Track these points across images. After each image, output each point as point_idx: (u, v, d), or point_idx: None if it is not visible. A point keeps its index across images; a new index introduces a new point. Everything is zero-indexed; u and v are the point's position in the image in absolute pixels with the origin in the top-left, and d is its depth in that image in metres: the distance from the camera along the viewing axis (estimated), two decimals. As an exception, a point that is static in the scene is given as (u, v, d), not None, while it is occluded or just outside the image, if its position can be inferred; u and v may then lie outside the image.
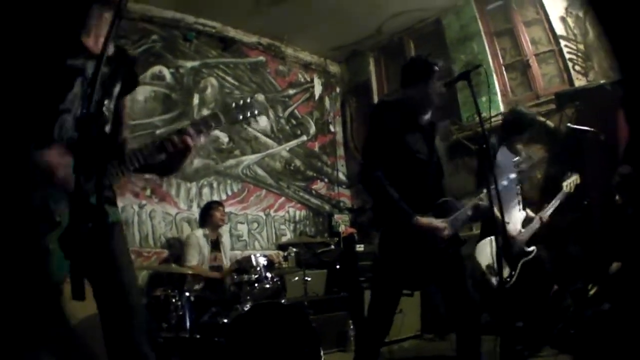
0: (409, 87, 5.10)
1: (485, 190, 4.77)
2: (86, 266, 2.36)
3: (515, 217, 6.82)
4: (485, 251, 6.36)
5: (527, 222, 6.86)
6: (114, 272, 3.40)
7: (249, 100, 3.84)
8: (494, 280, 6.19)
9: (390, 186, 4.69)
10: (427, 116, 5.12)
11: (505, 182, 5.08)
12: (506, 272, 6.16)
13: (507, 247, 4.58)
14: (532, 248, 6.54)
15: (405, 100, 5.10)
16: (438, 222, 4.72)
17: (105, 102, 3.49)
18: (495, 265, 6.17)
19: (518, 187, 6.02)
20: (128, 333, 3.35)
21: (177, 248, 9.51)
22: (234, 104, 3.79)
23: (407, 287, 5.24)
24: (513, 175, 5.20)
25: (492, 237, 6.29)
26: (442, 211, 4.83)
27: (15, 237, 2.68)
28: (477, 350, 4.71)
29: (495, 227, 6.18)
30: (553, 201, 6.94)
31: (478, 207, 4.97)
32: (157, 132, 9.98)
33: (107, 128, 3.56)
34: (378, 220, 4.99)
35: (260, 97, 12.25)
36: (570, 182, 6.88)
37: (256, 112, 3.86)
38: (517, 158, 5.44)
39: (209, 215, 8.97)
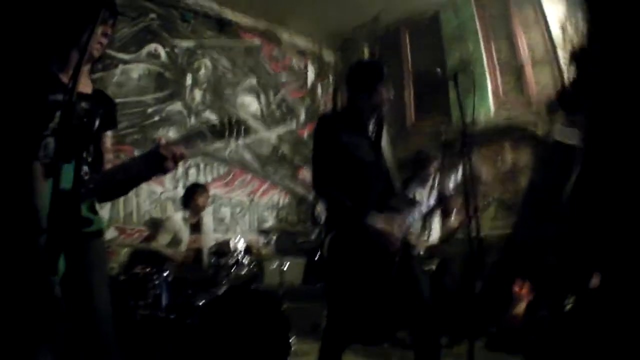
0: (356, 94, 5.04)
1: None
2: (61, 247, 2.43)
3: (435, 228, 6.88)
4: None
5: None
6: (87, 293, 3.46)
7: (233, 121, 3.87)
8: None
9: (342, 195, 4.67)
10: (373, 121, 5.08)
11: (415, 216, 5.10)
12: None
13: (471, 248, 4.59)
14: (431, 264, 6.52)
15: (350, 109, 5.09)
16: (393, 226, 4.65)
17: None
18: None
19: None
20: None
21: (159, 226, 9.55)
22: (219, 123, 3.83)
23: (361, 291, 5.23)
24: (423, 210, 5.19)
25: None
26: (395, 209, 4.81)
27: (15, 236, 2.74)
28: (437, 351, 4.71)
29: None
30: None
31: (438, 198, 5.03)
32: (149, 110, 10.05)
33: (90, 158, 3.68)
34: (329, 227, 5.00)
35: (253, 80, 12.32)
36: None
37: (242, 132, 3.95)
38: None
39: (191, 199, 8.96)
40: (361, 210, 4.61)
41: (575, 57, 3.72)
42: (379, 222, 4.60)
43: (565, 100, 3.89)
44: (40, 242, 2.99)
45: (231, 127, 3.83)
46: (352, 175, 4.78)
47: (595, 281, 5.74)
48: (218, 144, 11.18)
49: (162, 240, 8.49)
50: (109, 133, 3.94)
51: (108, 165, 3.87)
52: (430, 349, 4.69)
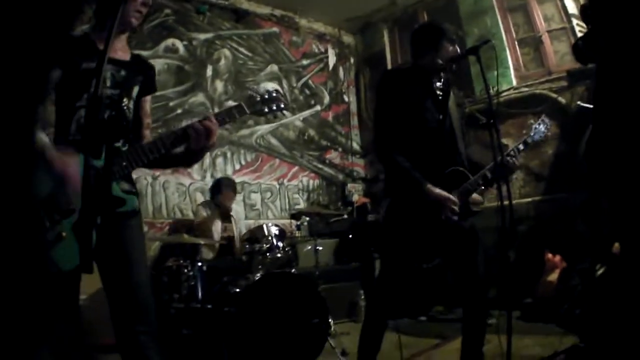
0: (420, 55, 5.00)
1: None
2: (96, 247, 2.45)
3: (508, 187, 6.82)
4: None
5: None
6: (126, 267, 3.49)
7: (274, 94, 3.88)
8: None
9: (401, 156, 4.63)
10: (440, 82, 5.02)
11: None
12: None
13: (503, 220, 4.54)
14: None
15: (415, 67, 5.02)
16: (448, 195, 4.62)
17: (125, 101, 3.66)
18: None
19: None
20: (135, 335, 3.43)
21: (187, 221, 9.60)
22: (258, 97, 3.83)
23: (412, 260, 5.20)
24: None
25: None
26: (452, 180, 4.76)
27: (16, 227, 2.76)
28: (483, 325, 4.71)
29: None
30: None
31: (487, 176, 4.99)
32: (171, 104, 10.08)
33: (129, 125, 3.72)
34: (389, 190, 4.98)
35: (274, 67, 12.34)
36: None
37: (282, 105, 3.91)
38: None
39: (218, 199, 8.96)
40: (418, 178, 4.60)
41: (585, 12, 3.72)
42: (435, 191, 4.59)
43: (578, 53, 3.89)
44: (40, 237, 3.03)
45: (270, 101, 3.84)
46: (416, 135, 4.76)
47: (616, 246, 5.72)
48: (244, 132, 11.22)
49: (203, 217, 8.60)
50: (148, 98, 3.96)
51: (147, 131, 3.92)
52: (478, 321, 4.72)
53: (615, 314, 4.32)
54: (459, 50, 4.98)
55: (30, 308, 2.65)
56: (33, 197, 3.08)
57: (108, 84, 3.56)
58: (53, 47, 2.99)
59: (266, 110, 3.84)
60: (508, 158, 4.90)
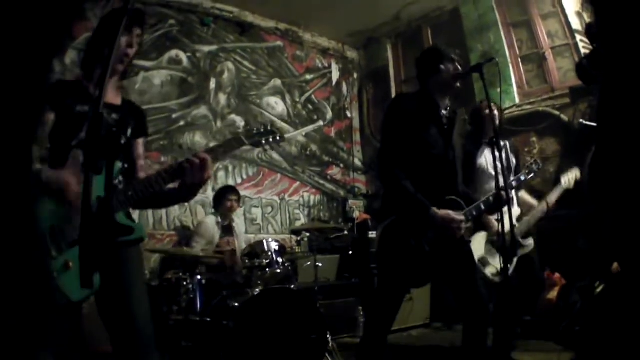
0: (425, 80, 5.09)
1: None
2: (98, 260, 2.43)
3: (510, 212, 6.83)
4: (475, 245, 6.36)
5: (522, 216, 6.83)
6: (125, 298, 3.48)
7: (269, 127, 3.95)
8: (487, 272, 6.20)
9: (407, 179, 4.66)
10: (447, 106, 5.08)
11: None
12: (497, 265, 6.15)
13: (504, 241, 4.55)
14: (529, 242, 6.50)
15: (422, 92, 5.09)
16: (455, 214, 4.68)
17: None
18: (489, 258, 6.23)
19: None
20: None
21: (188, 232, 9.60)
22: (255, 129, 3.90)
23: (410, 284, 5.20)
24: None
25: (484, 232, 6.35)
26: (448, 209, 4.75)
27: (20, 260, 2.74)
28: (484, 343, 4.73)
29: (484, 222, 6.29)
30: (551, 194, 6.89)
31: (490, 202, 5.01)
32: (174, 116, 10.08)
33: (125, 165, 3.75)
34: (388, 211, 4.98)
35: (277, 82, 12.32)
36: (569, 178, 6.80)
37: (278, 138, 3.97)
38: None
39: (221, 203, 8.99)
40: (425, 202, 4.62)
41: (590, 31, 3.71)
42: (441, 213, 4.62)
43: (583, 72, 3.89)
44: (40, 245, 3.03)
45: (266, 134, 3.90)
46: (419, 160, 4.79)
47: (615, 266, 5.71)
48: (246, 146, 11.20)
49: (195, 242, 8.54)
50: (140, 141, 4.00)
51: (142, 173, 3.92)
52: (478, 335, 4.71)
53: (614, 331, 4.31)
54: (460, 68, 5.05)
55: (32, 313, 2.65)
56: (38, 227, 3.11)
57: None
58: (39, 89, 3.02)
59: (263, 141, 3.88)
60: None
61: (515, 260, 6.19)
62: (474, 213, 4.95)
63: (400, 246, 4.69)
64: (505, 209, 4.60)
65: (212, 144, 10.33)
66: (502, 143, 5.24)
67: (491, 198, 4.96)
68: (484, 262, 6.24)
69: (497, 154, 4.61)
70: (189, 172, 3.46)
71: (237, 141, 3.75)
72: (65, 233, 3.15)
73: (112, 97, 3.82)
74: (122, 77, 3.98)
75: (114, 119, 3.71)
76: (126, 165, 3.78)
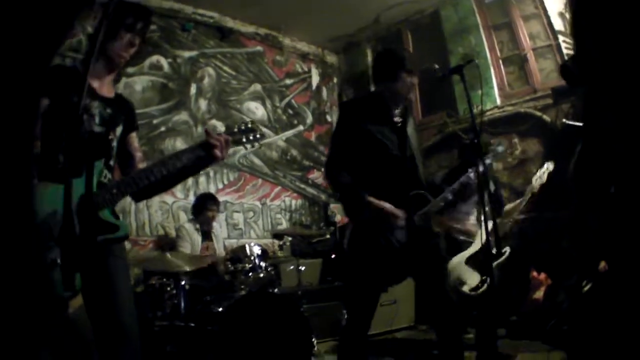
0: (380, 82, 5.10)
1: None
2: (79, 265, 2.42)
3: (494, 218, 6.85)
4: (452, 265, 6.38)
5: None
6: (110, 296, 3.51)
7: (249, 125, 4.01)
8: (465, 289, 6.20)
9: (344, 175, 4.74)
10: (399, 110, 5.08)
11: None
12: (476, 280, 6.17)
13: (488, 246, 4.58)
14: (505, 249, 6.50)
15: (374, 96, 5.14)
16: (388, 205, 4.66)
17: (110, 137, 3.77)
18: (466, 277, 6.25)
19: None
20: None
21: (168, 239, 9.60)
22: (236, 127, 3.98)
23: (382, 283, 5.21)
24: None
25: (460, 254, 6.38)
26: (417, 204, 4.83)
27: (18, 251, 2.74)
28: (459, 343, 4.72)
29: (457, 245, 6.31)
30: (519, 200, 6.91)
31: (462, 184, 5.07)
32: (154, 121, 10.07)
33: (112, 162, 3.81)
34: (347, 215, 5.01)
35: (258, 86, 12.32)
36: (539, 175, 6.80)
37: (258, 136, 4.02)
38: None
39: (201, 212, 8.98)
40: (363, 192, 4.66)
41: (574, 30, 3.73)
42: (373, 200, 4.65)
43: (567, 73, 3.92)
44: (39, 244, 3.03)
45: (247, 131, 3.96)
46: (376, 164, 4.82)
47: (602, 264, 5.74)
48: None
49: (182, 247, 8.54)
50: (133, 134, 4.07)
51: (140, 164, 3.99)
52: (452, 337, 4.72)
53: (603, 329, 4.33)
54: (415, 82, 5.05)
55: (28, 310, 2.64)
56: (38, 216, 3.11)
57: (97, 120, 3.69)
58: (38, 75, 2.99)
59: (244, 139, 3.96)
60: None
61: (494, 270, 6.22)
62: (442, 203, 4.98)
63: (370, 245, 4.72)
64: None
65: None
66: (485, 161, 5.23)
67: (456, 185, 5.02)
68: (460, 281, 6.26)
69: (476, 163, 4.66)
70: (218, 147, 3.66)
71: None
72: (52, 229, 3.14)
73: (107, 90, 3.89)
74: (118, 75, 4.13)
75: (108, 113, 3.77)
76: (111, 163, 3.81)
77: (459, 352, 4.70)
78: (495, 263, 6.23)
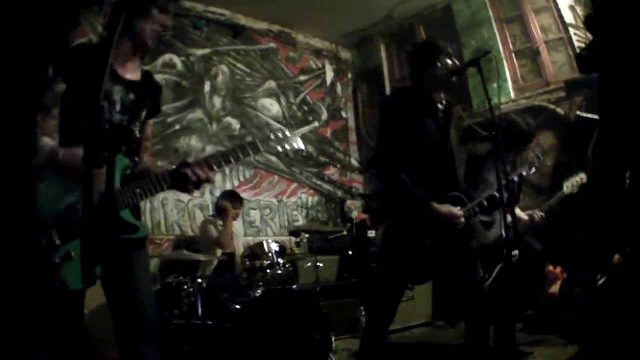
0: (420, 74, 5.04)
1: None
2: (99, 256, 2.39)
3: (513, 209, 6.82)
4: None
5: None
6: (132, 292, 3.50)
7: (288, 134, 3.93)
8: None
9: (405, 174, 4.63)
10: (443, 101, 5.06)
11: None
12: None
13: (508, 237, 4.55)
14: (514, 253, 6.44)
15: (417, 87, 5.04)
16: (455, 209, 4.69)
17: (132, 127, 3.70)
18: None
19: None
20: (139, 351, 3.45)
21: (187, 237, 9.59)
22: (272, 135, 3.87)
23: (411, 281, 5.17)
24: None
25: None
26: (453, 205, 4.76)
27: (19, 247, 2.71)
28: (486, 340, 4.71)
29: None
30: (550, 201, 6.87)
31: (494, 198, 5.00)
32: (169, 120, 10.06)
33: (137, 156, 3.76)
34: (388, 209, 4.95)
35: (272, 83, 12.31)
36: (572, 183, 6.75)
37: (295, 146, 3.96)
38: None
39: (224, 212, 8.87)
40: (425, 196, 4.61)
41: (588, 24, 3.71)
42: (442, 208, 4.63)
43: (582, 63, 3.91)
44: (41, 239, 3.00)
45: (282, 140, 3.89)
46: (418, 156, 4.78)
47: (617, 258, 5.69)
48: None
49: (207, 248, 8.51)
50: (151, 121, 3.97)
51: (146, 155, 3.92)
52: (480, 332, 4.71)
53: (619, 323, 4.29)
54: (457, 62, 5.04)
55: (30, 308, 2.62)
56: (42, 212, 3.09)
57: (118, 108, 3.59)
58: (47, 55, 2.94)
59: (279, 149, 3.87)
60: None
61: (497, 269, 6.16)
62: (477, 209, 4.94)
63: (404, 241, 4.67)
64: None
65: (208, 148, 10.41)
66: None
67: (484, 201, 4.97)
68: None
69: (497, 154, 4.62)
70: (189, 181, 3.49)
71: (253, 147, 3.74)
72: (71, 221, 3.14)
73: (132, 73, 3.77)
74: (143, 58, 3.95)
75: (131, 100, 3.67)
76: (137, 159, 3.76)
77: (486, 346, 4.71)
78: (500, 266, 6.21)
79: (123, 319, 3.47)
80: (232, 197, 9.16)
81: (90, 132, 2.42)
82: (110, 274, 3.12)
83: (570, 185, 6.65)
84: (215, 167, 3.61)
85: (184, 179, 3.49)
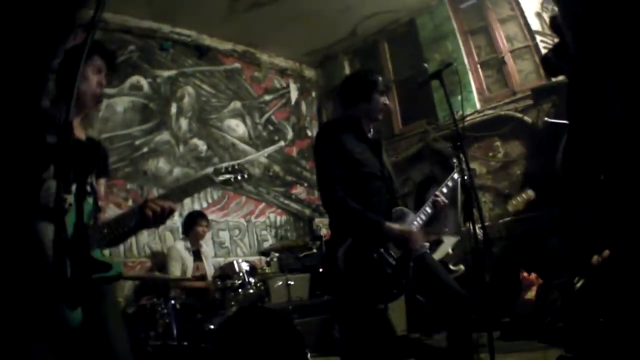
0: (352, 106, 5.13)
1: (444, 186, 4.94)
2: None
3: (450, 240, 6.91)
4: None
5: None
6: (107, 338, 3.43)
7: (236, 166, 4.06)
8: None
9: (352, 201, 4.65)
10: (371, 133, 5.18)
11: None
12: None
13: (477, 243, 4.62)
14: (458, 267, 6.49)
15: (350, 118, 5.12)
16: (409, 228, 4.74)
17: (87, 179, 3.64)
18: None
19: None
20: None
21: (161, 257, 9.54)
22: (223, 168, 4.00)
23: (381, 300, 5.14)
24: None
25: None
26: (399, 220, 4.83)
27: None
28: (469, 343, 4.73)
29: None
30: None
31: (436, 203, 5.08)
32: (136, 142, 10.03)
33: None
34: (340, 236, 4.93)
35: (237, 104, 12.31)
36: (519, 201, 6.79)
37: (245, 175, 4.10)
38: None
39: (191, 229, 9.05)
40: (378, 219, 4.64)
41: (554, 25, 3.77)
42: (396, 227, 4.66)
43: (549, 65, 3.99)
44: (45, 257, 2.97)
45: (235, 172, 4.00)
46: (359, 184, 4.81)
47: (595, 258, 5.76)
48: (209, 170, 11.15)
49: (173, 267, 8.55)
50: (102, 181, 3.93)
51: (103, 214, 3.86)
52: (463, 334, 4.71)
53: (602, 323, 4.34)
54: (387, 101, 5.21)
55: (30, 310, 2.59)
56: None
57: None
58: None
59: (232, 180, 4.03)
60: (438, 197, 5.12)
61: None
62: (423, 217, 5.02)
63: (367, 263, 4.65)
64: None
65: (175, 170, 10.42)
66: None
67: (427, 208, 5.04)
68: None
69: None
70: (151, 218, 3.49)
71: (207, 180, 3.89)
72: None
73: (78, 132, 3.73)
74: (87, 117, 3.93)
75: (79, 156, 3.59)
76: (99, 203, 3.73)
77: (470, 353, 4.73)
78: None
79: None
80: (196, 215, 9.33)
81: (60, 149, 2.41)
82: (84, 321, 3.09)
83: (516, 203, 6.70)
84: (176, 201, 3.63)
85: (148, 213, 3.48)
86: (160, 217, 3.52)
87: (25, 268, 2.47)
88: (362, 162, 4.85)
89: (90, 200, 3.55)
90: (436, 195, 5.07)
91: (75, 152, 3.47)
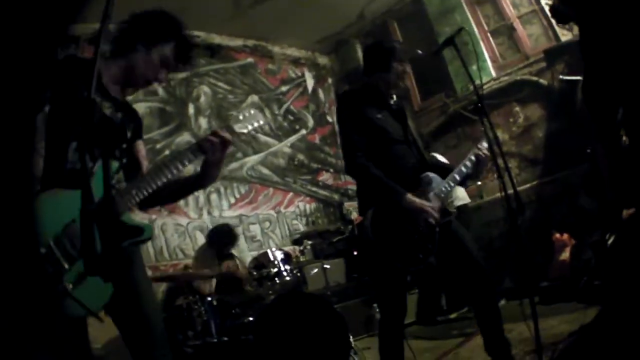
0: (372, 74, 5.14)
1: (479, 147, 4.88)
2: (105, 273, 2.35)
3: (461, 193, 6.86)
4: None
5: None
6: (138, 302, 3.43)
7: (252, 112, 3.99)
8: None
9: (375, 168, 4.68)
10: (394, 99, 5.18)
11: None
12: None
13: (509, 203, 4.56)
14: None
15: (369, 86, 5.14)
16: (429, 204, 4.69)
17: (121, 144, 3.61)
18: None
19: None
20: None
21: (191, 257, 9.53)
22: (240, 115, 3.95)
23: (407, 265, 5.11)
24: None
25: None
26: (427, 185, 4.83)
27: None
28: (497, 309, 4.73)
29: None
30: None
31: (479, 156, 5.00)
32: (157, 146, 10.05)
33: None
34: (365, 205, 4.93)
35: (255, 97, 12.32)
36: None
37: (261, 122, 3.97)
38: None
39: (218, 246, 8.64)
40: (398, 189, 4.64)
41: None
42: (417, 201, 4.65)
43: (557, 13, 3.97)
44: (46, 267, 2.93)
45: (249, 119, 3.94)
46: (383, 147, 4.85)
47: (625, 213, 5.70)
48: (234, 165, 11.16)
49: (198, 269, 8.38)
50: (140, 142, 3.89)
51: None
52: (488, 303, 4.73)
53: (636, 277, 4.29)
54: (407, 69, 5.16)
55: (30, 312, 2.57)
56: (42, 237, 2.92)
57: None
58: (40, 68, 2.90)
59: (249, 127, 3.91)
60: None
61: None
62: (457, 177, 4.99)
63: (393, 228, 4.67)
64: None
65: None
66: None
67: (468, 163, 4.98)
68: None
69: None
70: (211, 151, 3.53)
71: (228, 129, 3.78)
72: (72, 239, 2.98)
73: (116, 94, 3.69)
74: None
75: (119, 117, 3.59)
76: (124, 161, 3.65)
77: (499, 319, 4.71)
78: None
79: (132, 330, 3.41)
80: (223, 236, 8.89)
81: (84, 126, 2.37)
82: (115, 292, 3.05)
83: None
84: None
85: (208, 146, 3.51)
86: (221, 148, 3.56)
87: (18, 259, 2.43)
88: (383, 128, 4.87)
89: (115, 162, 3.50)
90: (478, 149, 5.01)
91: (106, 118, 3.46)
